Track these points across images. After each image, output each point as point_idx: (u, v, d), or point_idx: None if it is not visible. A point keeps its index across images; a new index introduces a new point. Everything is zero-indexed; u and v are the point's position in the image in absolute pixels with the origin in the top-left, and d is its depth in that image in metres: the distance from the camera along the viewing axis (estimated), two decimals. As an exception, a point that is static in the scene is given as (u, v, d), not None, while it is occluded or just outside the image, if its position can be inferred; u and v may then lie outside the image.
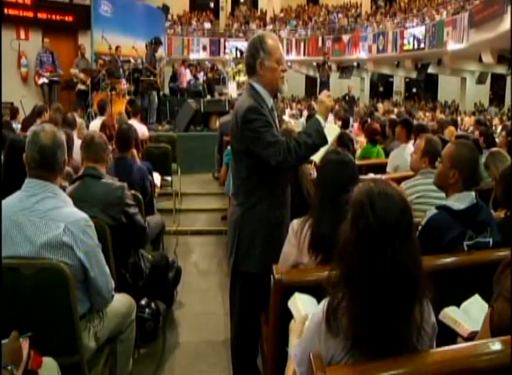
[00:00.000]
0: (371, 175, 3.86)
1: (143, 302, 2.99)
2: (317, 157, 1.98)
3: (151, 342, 2.97)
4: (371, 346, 1.14)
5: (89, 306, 1.95)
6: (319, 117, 2.05)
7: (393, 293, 1.13)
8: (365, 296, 1.14)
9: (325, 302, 1.22)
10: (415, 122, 5.81)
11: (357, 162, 4.22)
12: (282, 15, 26.43)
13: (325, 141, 2.01)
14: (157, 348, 2.94)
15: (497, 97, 22.33)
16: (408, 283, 1.14)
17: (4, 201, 1.79)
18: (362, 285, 1.15)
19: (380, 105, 13.59)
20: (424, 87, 25.93)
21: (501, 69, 17.45)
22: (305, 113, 12.15)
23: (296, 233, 1.89)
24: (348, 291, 1.17)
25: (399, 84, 25.30)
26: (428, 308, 1.24)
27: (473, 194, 2.01)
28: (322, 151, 2.02)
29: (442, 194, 2.17)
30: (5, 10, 8.93)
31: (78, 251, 1.79)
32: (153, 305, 3.06)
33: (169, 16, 20.82)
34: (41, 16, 9.58)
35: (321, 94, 2.13)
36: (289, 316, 1.69)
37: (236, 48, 22.74)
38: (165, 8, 15.23)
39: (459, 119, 11.99)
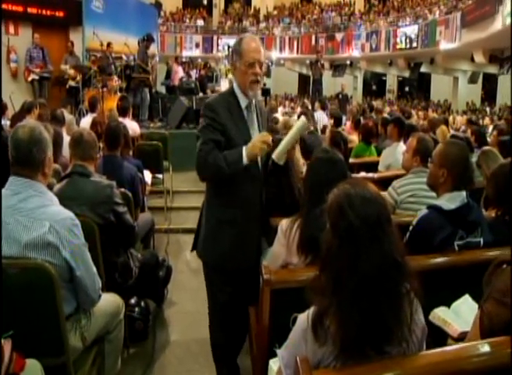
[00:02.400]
0: (363, 173, 3.85)
1: (132, 301, 2.95)
2: (275, 152, 2.06)
3: (140, 342, 2.93)
4: (360, 347, 1.13)
5: (75, 306, 1.91)
6: (244, 152, 1.95)
7: (382, 285, 1.14)
8: (355, 295, 1.14)
9: (309, 310, 1.21)
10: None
11: (350, 160, 4.22)
12: (275, 12, 26.40)
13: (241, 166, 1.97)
14: (147, 347, 2.91)
15: (489, 96, 22.47)
16: (396, 272, 1.16)
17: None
18: (352, 285, 1.14)
19: (377, 102, 13.61)
20: (416, 86, 26.03)
21: (493, 69, 17.55)
22: (299, 110, 12.12)
23: (285, 232, 1.87)
24: (337, 294, 1.16)
25: (392, 83, 25.36)
26: (417, 309, 1.23)
27: (464, 193, 2.00)
28: (282, 145, 2.06)
29: (434, 193, 2.17)
30: (-5, 4, 8.81)
31: (64, 251, 1.75)
32: (143, 303, 3.02)
33: (162, 13, 20.70)
34: (31, 10, 9.46)
35: (257, 137, 2.00)
36: (279, 315, 1.67)
37: (229, 46, 22.53)
38: (158, 5, 15.16)
39: (450, 118, 12.03)
